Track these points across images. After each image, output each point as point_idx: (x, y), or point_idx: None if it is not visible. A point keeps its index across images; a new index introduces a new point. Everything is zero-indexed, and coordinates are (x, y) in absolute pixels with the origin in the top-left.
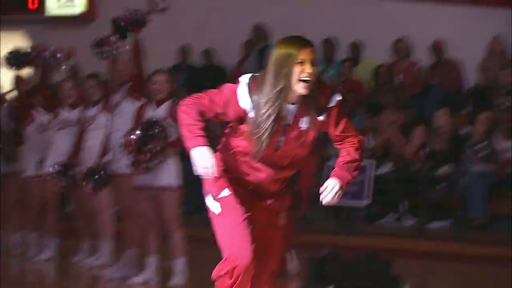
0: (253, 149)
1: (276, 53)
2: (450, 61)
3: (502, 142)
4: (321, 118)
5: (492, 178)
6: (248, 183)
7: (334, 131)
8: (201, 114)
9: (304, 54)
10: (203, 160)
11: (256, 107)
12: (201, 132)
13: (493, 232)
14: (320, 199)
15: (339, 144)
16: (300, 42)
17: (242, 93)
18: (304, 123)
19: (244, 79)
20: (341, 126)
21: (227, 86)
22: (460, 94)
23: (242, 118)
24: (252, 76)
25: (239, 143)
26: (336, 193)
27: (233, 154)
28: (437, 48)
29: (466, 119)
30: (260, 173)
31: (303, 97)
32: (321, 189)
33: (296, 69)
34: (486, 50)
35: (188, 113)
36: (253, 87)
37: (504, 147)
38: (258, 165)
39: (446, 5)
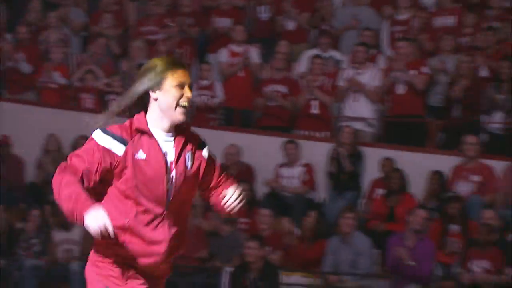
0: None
1: (146, 68)
2: (13, 156)
3: (57, 235)
4: (204, 154)
5: (45, 271)
6: (140, 271)
7: (215, 177)
8: (83, 178)
9: (182, 76)
10: (98, 219)
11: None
12: (86, 195)
13: None
14: (227, 209)
15: (214, 189)
16: (177, 62)
17: (104, 141)
18: (188, 159)
19: (96, 132)
20: (219, 169)
21: (85, 145)
22: (19, 189)
23: (120, 163)
24: (101, 127)
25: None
26: (239, 197)
27: (122, 235)
28: (2, 143)
29: (22, 214)
30: (157, 247)
31: (177, 128)
32: (224, 200)
33: (175, 93)
34: (42, 147)
35: (62, 180)
36: (113, 130)
37: (58, 241)
38: (154, 229)
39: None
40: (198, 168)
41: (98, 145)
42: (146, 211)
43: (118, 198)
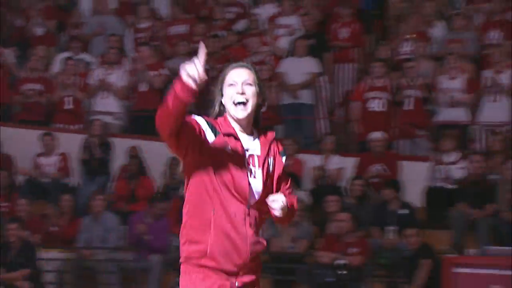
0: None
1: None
2: None
3: None
4: (284, 160)
5: None
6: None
7: (282, 186)
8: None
9: (235, 76)
10: (191, 67)
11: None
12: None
13: None
14: (272, 206)
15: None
16: (231, 64)
17: (201, 121)
18: (270, 164)
19: (193, 115)
20: (287, 180)
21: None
22: None
23: (207, 149)
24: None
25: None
26: (283, 204)
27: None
28: None
29: None
30: (242, 243)
31: (260, 130)
32: (271, 199)
33: (229, 92)
34: None
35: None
36: (207, 118)
37: None
38: (238, 225)
39: None
40: (275, 173)
41: (196, 120)
42: (229, 206)
43: (202, 193)
